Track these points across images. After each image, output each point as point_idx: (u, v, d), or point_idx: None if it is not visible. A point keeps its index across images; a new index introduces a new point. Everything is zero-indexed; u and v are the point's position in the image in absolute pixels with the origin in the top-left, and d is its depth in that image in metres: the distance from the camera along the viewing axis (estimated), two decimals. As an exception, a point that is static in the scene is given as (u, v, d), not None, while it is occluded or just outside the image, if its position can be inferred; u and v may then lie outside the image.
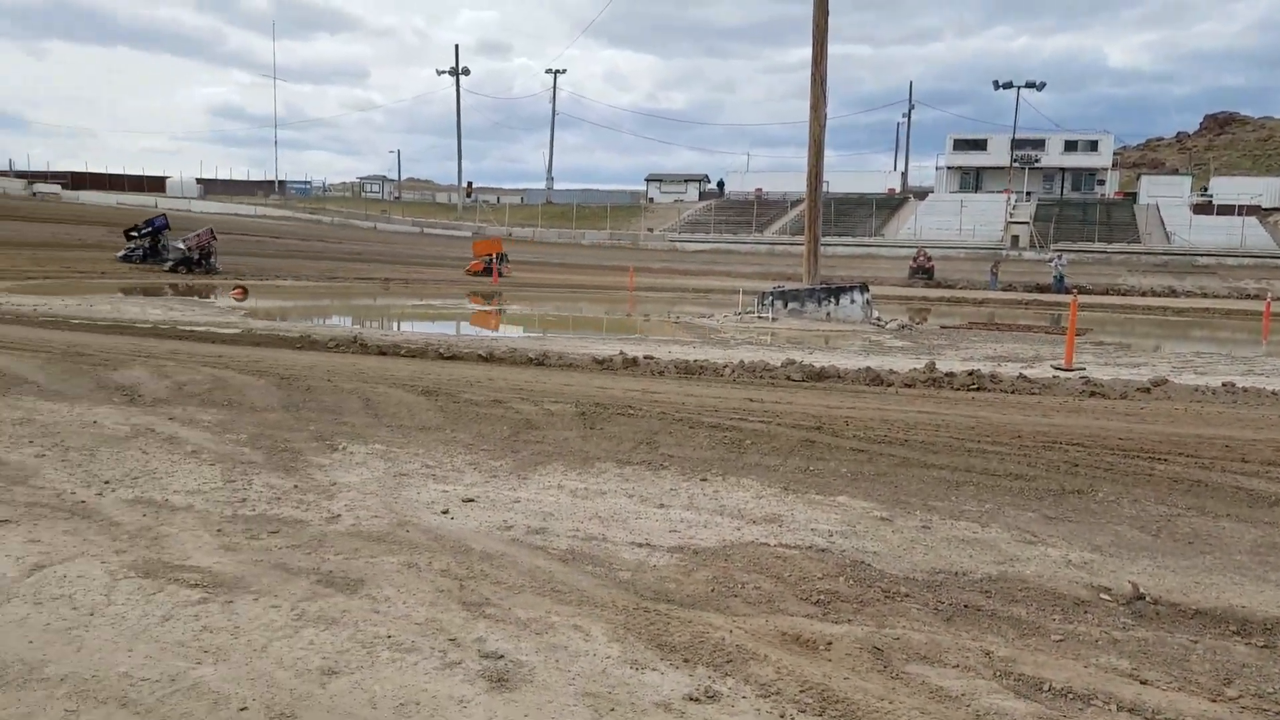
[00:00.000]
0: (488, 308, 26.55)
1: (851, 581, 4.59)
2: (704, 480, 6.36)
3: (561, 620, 3.99)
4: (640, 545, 5.04)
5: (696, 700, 3.33)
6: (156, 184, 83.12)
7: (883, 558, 4.95)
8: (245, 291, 24.62)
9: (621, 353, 14.23)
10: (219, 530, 5.02)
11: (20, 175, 75.41)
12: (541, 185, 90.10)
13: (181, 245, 30.74)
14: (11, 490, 5.56)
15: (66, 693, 3.26)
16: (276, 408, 8.15)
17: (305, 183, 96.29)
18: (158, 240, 32.09)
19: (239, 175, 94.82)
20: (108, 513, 5.23)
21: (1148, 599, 4.46)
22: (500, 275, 34.94)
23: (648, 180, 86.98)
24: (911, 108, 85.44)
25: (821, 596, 4.38)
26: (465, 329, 21.60)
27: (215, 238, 31.95)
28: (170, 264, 30.44)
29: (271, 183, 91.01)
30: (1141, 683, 3.62)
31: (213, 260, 30.98)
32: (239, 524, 5.14)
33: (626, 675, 3.52)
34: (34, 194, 64.93)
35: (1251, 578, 4.79)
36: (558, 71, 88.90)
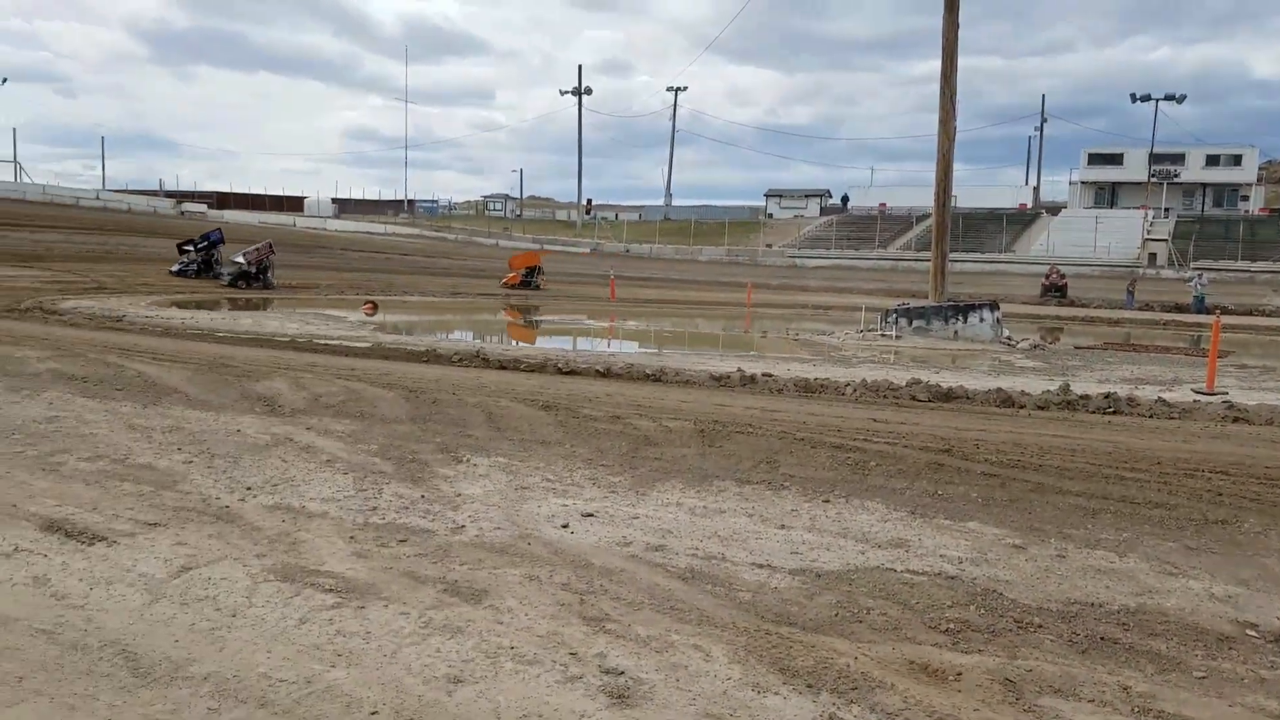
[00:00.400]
0: (604, 323, 26.84)
1: (982, 610, 4.44)
2: (826, 501, 6.27)
3: (681, 639, 3.98)
4: (761, 566, 5.00)
5: (820, 726, 3.28)
6: (295, 204, 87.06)
7: (1015, 587, 4.77)
8: (375, 306, 25.51)
9: (739, 370, 14.16)
10: (352, 537, 5.20)
11: (170, 195, 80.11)
12: (660, 202, 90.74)
13: (240, 259, 30.18)
14: (161, 494, 5.88)
15: (209, 691, 3.42)
16: (405, 420, 8.41)
17: (432, 201, 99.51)
18: (211, 254, 31.70)
19: (370, 195, 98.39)
20: (249, 518, 5.48)
21: (1305, 640, 4.18)
22: (536, 288, 34.94)
23: (767, 195, 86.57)
24: (1044, 121, 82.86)
25: (951, 625, 4.25)
26: (582, 344, 21.87)
27: (274, 251, 31.35)
28: (228, 278, 30.05)
29: (401, 202, 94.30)
30: (1299, 730, 3.39)
31: (269, 275, 30.42)
32: (370, 531, 5.32)
33: (748, 698, 3.48)
34: (182, 213, 68.82)
35: None
36: (678, 89, 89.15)
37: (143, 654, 3.67)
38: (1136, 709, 3.49)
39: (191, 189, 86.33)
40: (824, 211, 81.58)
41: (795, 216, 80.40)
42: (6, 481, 5.96)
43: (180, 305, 23.21)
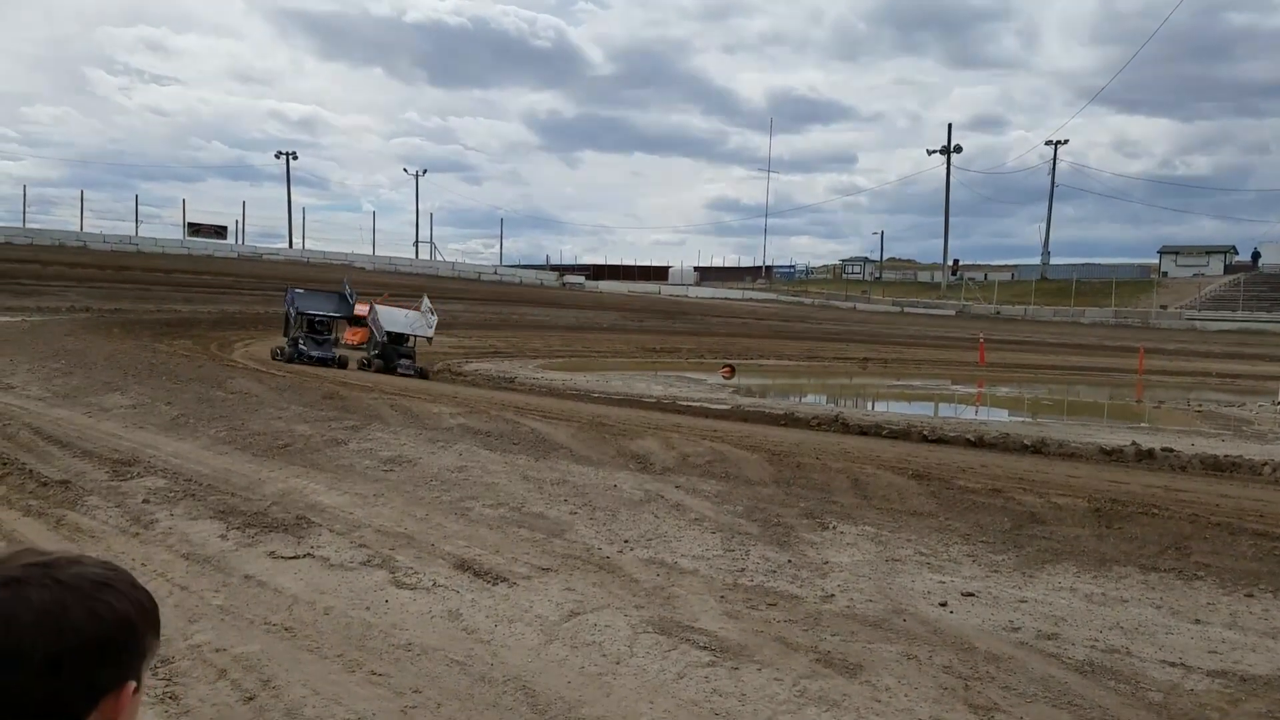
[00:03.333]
0: (972, 389, 25.57)
1: None
2: (1249, 596, 5.44)
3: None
4: (1172, 665, 4.42)
5: None
6: (660, 273, 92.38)
7: None
8: (733, 370, 26.20)
9: (1134, 443, 12.84)
10: (722, 597, 5.27)
11: (554, 269, 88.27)
12: (1034, 261, 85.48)
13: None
14: (551, 542, 6.34)
15: (598, 733, 3.58)
16: (769, 482, 8.47)
17: (790, 267, 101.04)
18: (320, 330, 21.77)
19: (730, 262, 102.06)
20: (628, 569, 5.75)
21: None
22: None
23: (1161, 253, 78.66)
24: None
25: None
26: (946, 410, 20.96)
27: (432, 312, 22.68)
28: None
29: (759, 268, 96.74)
30: None
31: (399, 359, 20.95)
32: (739, 592, 5.36)
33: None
34: (564, 284, 75.55)
35: None
36: (1059, 143, 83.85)
37: (540, 692, 3.94)
38: None
39: (572, 262, 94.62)
40: (1229, 269, 72.65)
41: (1195, 275, 72.28)
42: (426, 523, 6.72)
43: (559, 369, 25.29)
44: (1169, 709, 3.93)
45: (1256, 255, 72.66)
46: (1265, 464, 11.56)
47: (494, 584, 5.35)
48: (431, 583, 5.35)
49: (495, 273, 76.41)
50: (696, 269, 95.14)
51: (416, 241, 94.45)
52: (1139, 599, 5.40)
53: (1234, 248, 76.75)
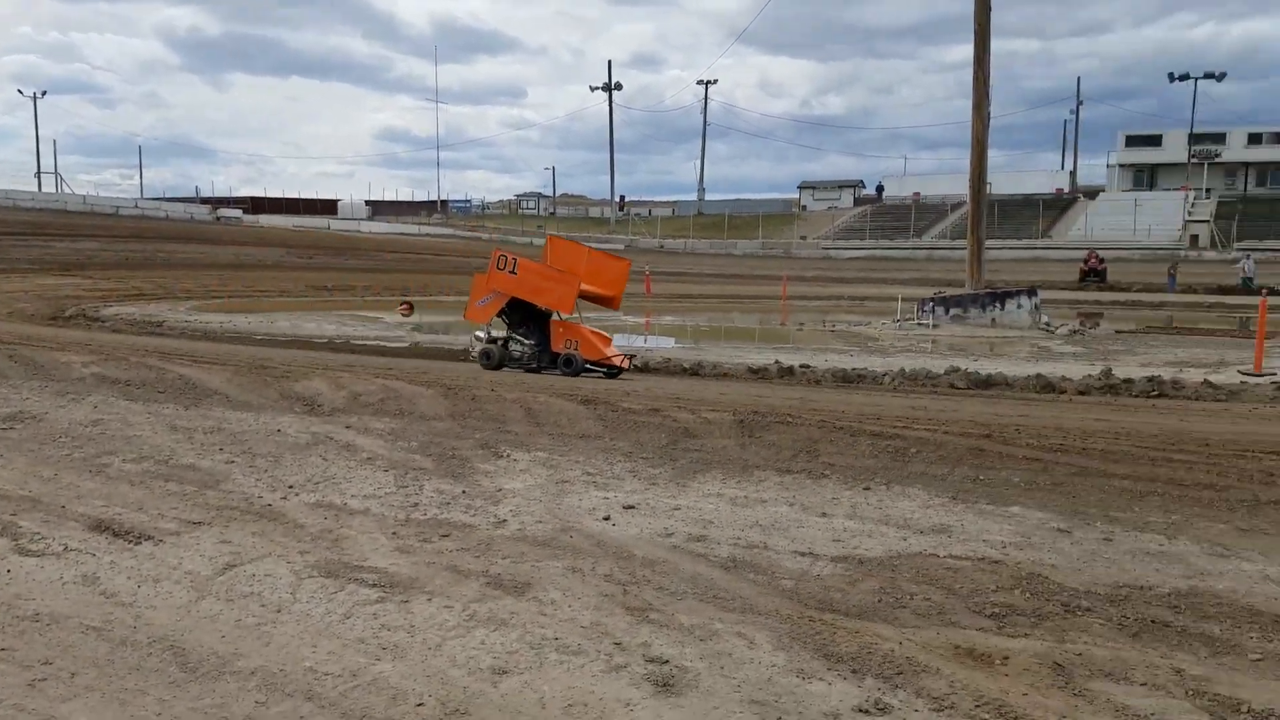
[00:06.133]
0: (641, 319, 26.83)
1: (1028, 594, 4.38)
2: (867, 489, 6.22)
3: (725, 627, 3.96)
4: (803, 554, 4.97)
5: (866, 712, 3.25)
6: (329, 207, 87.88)
7: (1061, 570, 4.70)
8: (411, 307, 25.70)
9: (776, 362, 14.12)
10: (394, 533, 5.23)
11: (205, 201, 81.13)
12: (693, 197, 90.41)
13: None
14: (204, 494, 5.96)
15: (257, 685, 3.46)
16: (444, 416, 8.45)
17: (465, 201, 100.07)
18: None
19: (404, 196, 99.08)
20: (292, 516, 5.54)
21: (1365, 621, 4.07)
22: None
23: (800, 188, 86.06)
24: (1080, 104, 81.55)
25: (996, 609, 4.20)
26: (619, 341, 21.87)
27: None
28: None
29: (434, 202, 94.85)
30: (1359, 710, 3.30)
31: None
32: (412, 527, 5.35)
33: (793, 684, 3.46)
34: (218, 218, 69.60)
35: None
36: (709, 82, 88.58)
37: (190, 649, 3.72)
38: (1191, 691, 3.42)
39: (227, 195, 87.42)
40: (858, 202, 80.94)
41: (829, 208, 79.84)
42: (55, 484, 6.06)
43: (217, 310, 23.53)
44: (799, 593, 4.42)
45: (880, 189, 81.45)
46: (886, 374, 13.15)
47: (136, 543, 4.95)
48: (62, 547, 4.85)
49: (136, 207, 68.82)
50: (369, 203, 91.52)
51: (39, 173, 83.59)
52: (776, 498, 6.00)
53: (862, 182, 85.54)
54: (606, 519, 5.51)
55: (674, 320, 26.82)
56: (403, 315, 24.64)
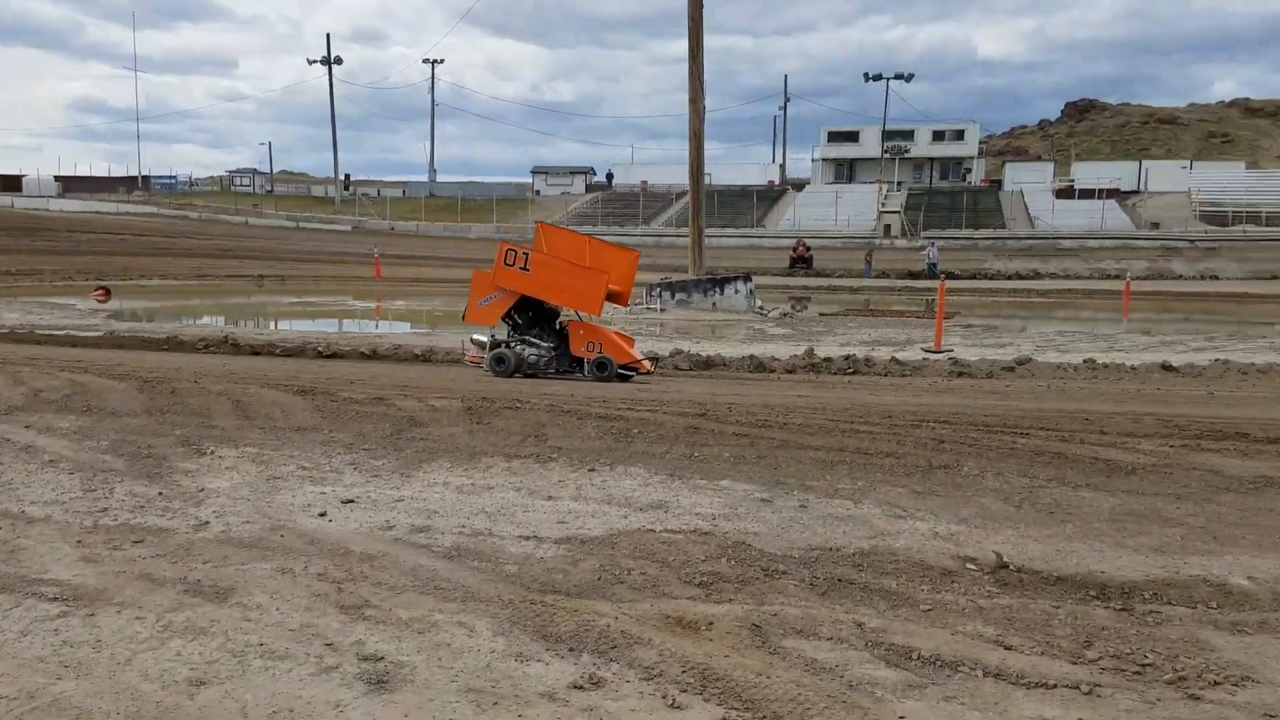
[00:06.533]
0: (371, 304, 25.99)
1: (733, 562, 4.67)
2: (592, 470, 6.38)
3: (445, 618, 3.94)
4: (527, 538, 5.02)
5: (581, 688, 3.34)
6: (13, 183, 78.50)
7: (763, 537, 5.05)
8: (108, 293, 23.48)
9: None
10: (79, 541, 4.78)
11: None
12: (424, 178, 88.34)
13: None
14: None
15: (-90, 720, 3.07)
16: (139, 412, 7.81)
17: (170, 177, 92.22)
18: None
19: (100, 171, 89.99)
20: (-45, 529, 4.93)
21: (1011, 568, 4.67)
22: None
23: (534, 172, 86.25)
24: (787, 100, 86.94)
25: (704, 578, 4.44)
26: (348, 326, 21.08)
27: None
28: None
29: (135, 178, 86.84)
30: (1006, 648, 3.78)
31: None
32: (100, 534, 4.91)
33: (511, 668, 3.50)
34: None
35: (1110, 544, 5.06)
36: (435, 61, 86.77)
37: None
38: (869, 643, 3.79)
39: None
40: (590, 189, 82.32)
41: (562, 193, 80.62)
42: None
43: None
44: (522, 577, 4.47)
45: (610, 176, 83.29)
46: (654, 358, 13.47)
47: None
48: None
49: None
50: (58, 179, 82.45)
51: None
52: (503, 484, 6.03)
53: (593, 169, 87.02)
54: (322, 515, 5.31)
55: (407, 305, 26.18)
56: (98, 302, 22.46)
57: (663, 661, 3.52)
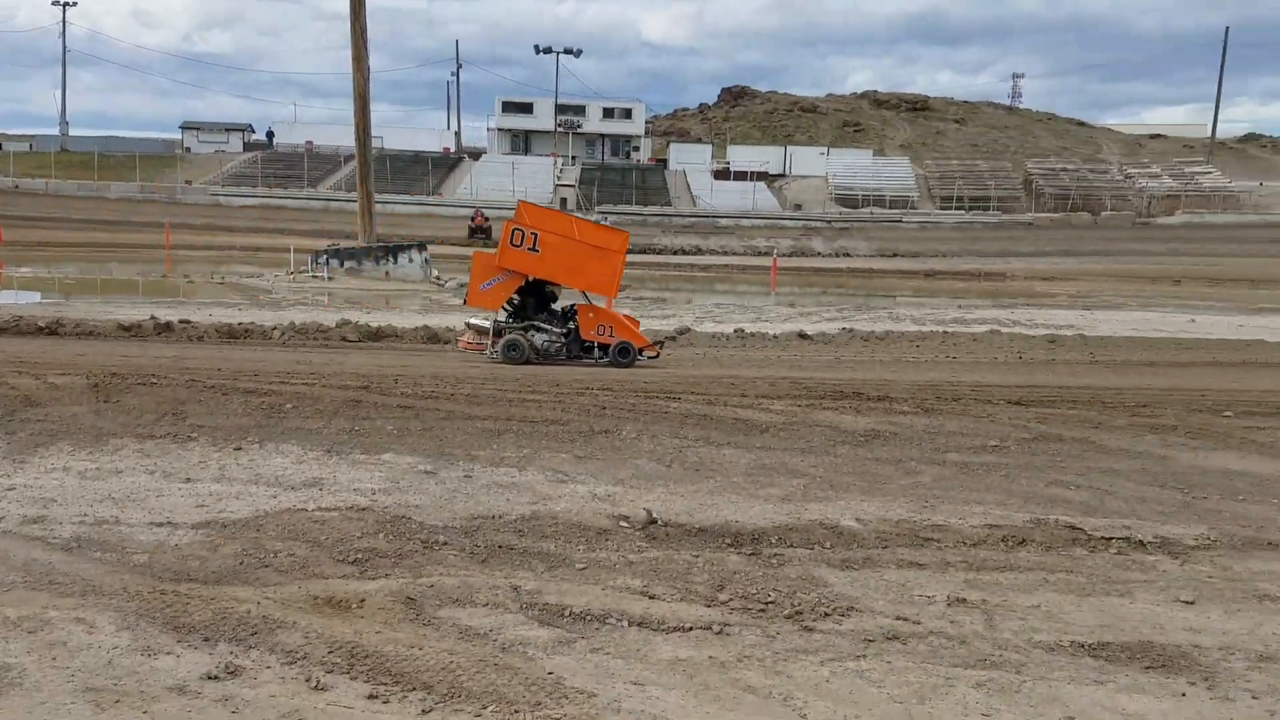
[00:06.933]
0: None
1: (391, 537, 4.60)
2: (238, 449, 6.01)
3: (61, 615, 3.57)
4: (160, 524, 4.65)
5: (215, 678, 3.16)
6: None
7: (425, 510, 5.01)
8: None
9: (153, 317, 12.94)
10: None
11: None
12: (54, 131, 78.19)
13: None
14: None
15: None
16: None
17: None
18: None
19: None
20: None
21: (660, 523, 4.98)
22: None
23: (183, 128, 79.00)
24: (460, 66, 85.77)
25: (359, 555, 4.34)
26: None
27: None
28: None
29: None
30: (650, 598, 4.03)
31: None
32: None
33: (137, 663, 3.24)
34: None
35: (745, 496, 5.53)
36: (67, 3, 76.95)
37: None
38: (524, 605, 3.88)
39: None
40: (248, 147, 76.74)
41: (216, 151, 74.51)
42: None
43: None
44: (153, 566, 4.13)
45: (271, 134, 78.16)
46: (275, 328, 12.76)
47: None
48: None
49: None
50: None
51: None
52: (134, 468, 5.52)
53: (251, 126, 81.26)
54: (-93, 511, 4.60)
55: (33, 272, 23.20)
56: None
57: (308, 644, 3.40)
